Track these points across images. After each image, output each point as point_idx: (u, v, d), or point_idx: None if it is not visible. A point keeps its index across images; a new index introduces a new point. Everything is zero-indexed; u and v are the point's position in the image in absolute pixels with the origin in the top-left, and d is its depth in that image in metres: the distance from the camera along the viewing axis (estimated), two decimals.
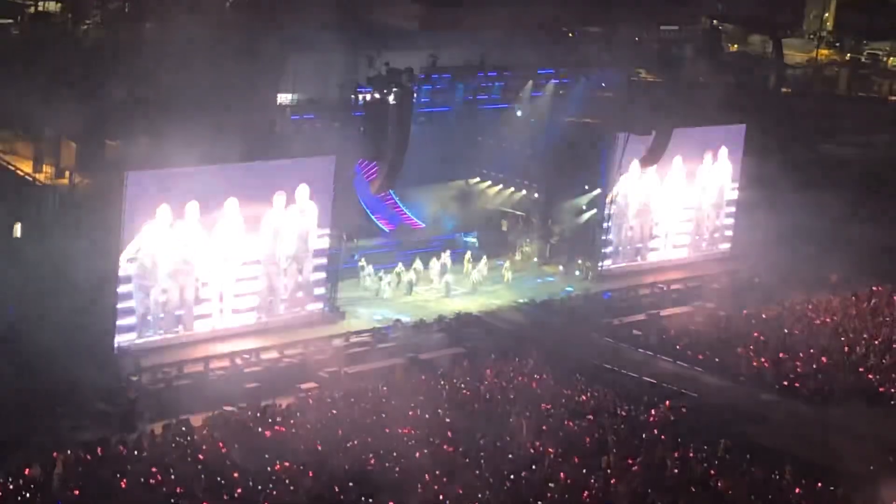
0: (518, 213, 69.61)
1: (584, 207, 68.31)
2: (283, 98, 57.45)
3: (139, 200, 50.71)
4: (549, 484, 42.92)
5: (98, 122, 52.80)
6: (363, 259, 62.47)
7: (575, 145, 66.71)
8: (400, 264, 63.08)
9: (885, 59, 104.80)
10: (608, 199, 66.51)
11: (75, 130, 54.19)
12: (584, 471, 43.97)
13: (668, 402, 50.86)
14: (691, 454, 46.35)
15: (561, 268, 67.56)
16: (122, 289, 50.79)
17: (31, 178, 54.85)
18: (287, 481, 41.33)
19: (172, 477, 41.06)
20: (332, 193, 56.65)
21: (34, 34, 57.19)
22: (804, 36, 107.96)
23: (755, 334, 59.33)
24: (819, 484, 44.62)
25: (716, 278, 68.52)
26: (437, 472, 42.85)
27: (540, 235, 68.74)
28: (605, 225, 66.65)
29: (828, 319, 62.00)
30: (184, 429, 45.19)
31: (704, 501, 42.96)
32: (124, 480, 40.55)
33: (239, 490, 40.57)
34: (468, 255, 65.75)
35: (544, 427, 47.46)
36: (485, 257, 65.24)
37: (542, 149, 67.59)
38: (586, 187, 67.91)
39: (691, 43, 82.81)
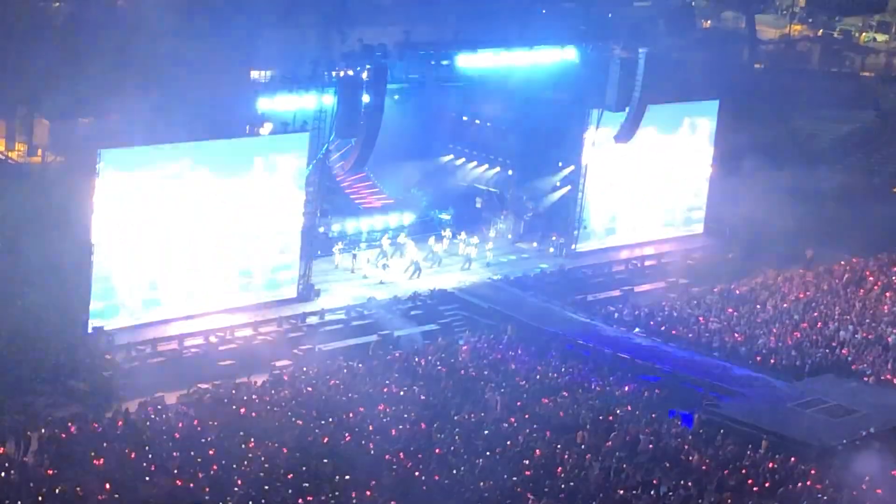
0: (492, 189, 69.58)
1: (557, 184, 68.37)
2: (257, 74, 57.18)
3: (113, 178, 50.51)
4: (524, 460, 43.09)
5: (71, 100, 52.53)
6: (337, 235, 62.50)
7: (549, 122, 66.71)
8: (386, 238, 62.97)
9: (857, 34, 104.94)
10: (582, 176, 66.54)
11: (48, 108, 53.94)
12: (559, 446, 44.13)
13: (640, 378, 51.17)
14: (665, 429, 46.56)
15: (535, 244, 67.63)
16: (96, 267, 50.60)
17: (3, 157, 54.59)
18: (262, 459, 41.37)
19: (148, 455, 41.07)
20: (305, 170, 56.56)
21: (5, 11, 56.74)
22: (777, 11, 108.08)
23: (729, 310, 59.55)
24: (793, 459, 44.86)
25: (689, 254, 68.71)
26: (412, 449, 42.97)
27: (514, 212, 68.77)
28: (578, 201, 66.68)
29: (801, 294, 62.24)
30: (158, 406, 45.19)
31: (678, 476, 43.12)
32: (99, 458, 40.55)
33: (214, 467, 40.57)
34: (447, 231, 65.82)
35: (519, 403, 47.61)
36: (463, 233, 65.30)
37: (516, 125, 67.57)
38: (560, 164, 67.96)
39: (664, 18, 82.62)
